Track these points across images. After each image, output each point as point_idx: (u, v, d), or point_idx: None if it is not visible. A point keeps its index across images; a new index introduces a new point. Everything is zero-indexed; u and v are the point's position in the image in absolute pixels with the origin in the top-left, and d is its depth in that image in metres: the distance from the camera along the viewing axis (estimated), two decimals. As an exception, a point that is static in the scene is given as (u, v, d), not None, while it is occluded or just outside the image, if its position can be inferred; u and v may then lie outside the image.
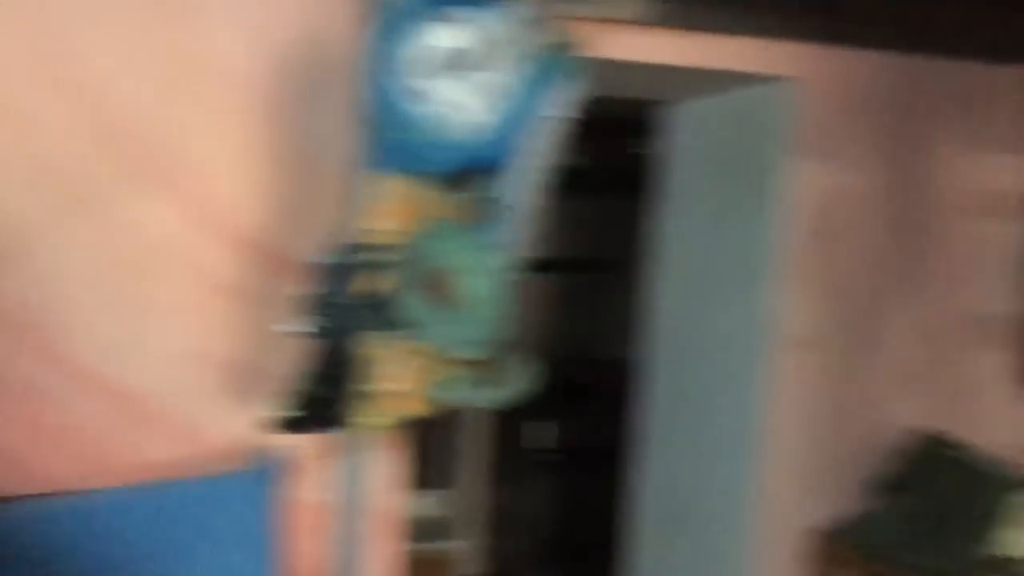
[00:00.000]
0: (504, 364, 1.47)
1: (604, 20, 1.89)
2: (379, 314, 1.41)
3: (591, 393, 3.45)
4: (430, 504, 3.55)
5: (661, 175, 2.50)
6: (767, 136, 2.16)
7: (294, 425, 1.48)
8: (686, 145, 2.40)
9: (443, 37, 1.39)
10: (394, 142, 1.44)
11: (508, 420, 3.47)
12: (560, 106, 1.47)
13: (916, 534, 2.11)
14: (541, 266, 3.75)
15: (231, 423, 1.64)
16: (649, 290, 2.55)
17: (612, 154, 3.21)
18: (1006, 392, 2.45)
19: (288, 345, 1.44)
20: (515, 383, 1.49)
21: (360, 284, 1.42)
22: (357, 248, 1.43)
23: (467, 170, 1.48)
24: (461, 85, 1.41)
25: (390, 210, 1.44)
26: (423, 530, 3.43)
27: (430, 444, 3.59)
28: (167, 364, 1.63)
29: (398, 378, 1.40)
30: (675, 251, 2.46)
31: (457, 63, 1.40)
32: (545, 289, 3.82)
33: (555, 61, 1.45)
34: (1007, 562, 2.11)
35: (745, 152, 2.23)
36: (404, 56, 1.40)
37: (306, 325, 1.42)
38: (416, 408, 1.42)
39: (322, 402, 1.45)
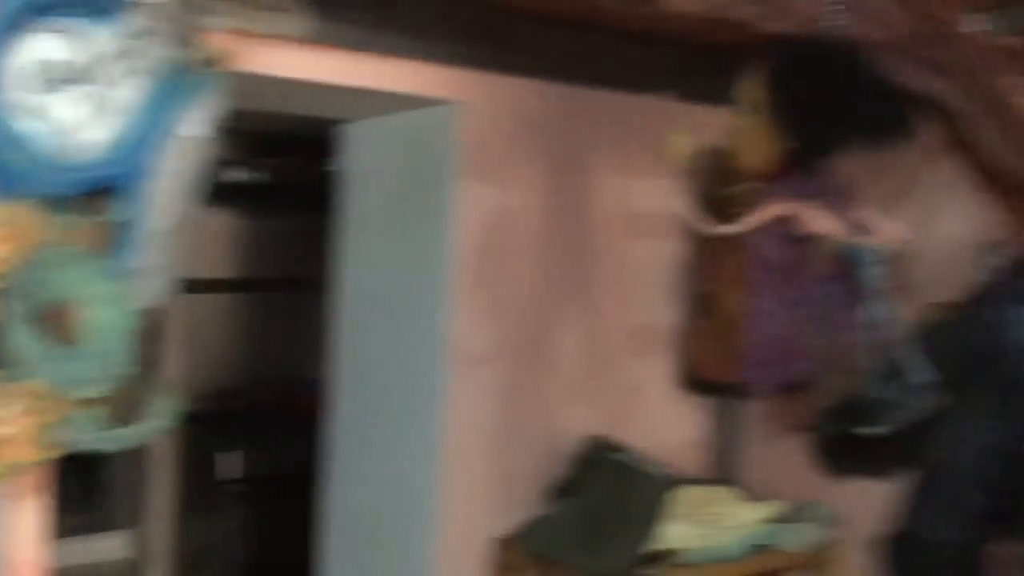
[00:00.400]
0: (137, 399, 1.37)
1: (265, 36, 1.84)
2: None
3: (288, 416, 3.36)
4: (115, 546, 3.29)
5: (342, 194, 2.48)
6: (435, 158, 2.20)
7: None
8: (363, 164, 2.41)
9: (52, 49, 1.28)
10: (2, 163, 1.31)
11: (200, 450, 3.29)
12: (198, 123, 1.40)
13: (582, 535, 2.23)
14: (234, 286, 3.66)
15: None
16: (333, 309, 2.53)
17: (307, 171, 3.17)
18: (665, 396, 2.67)
19: None
20: (151, 419, 1.39)
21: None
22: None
23: (91, 192, 1.37)
24: (75, 101, 1.30)
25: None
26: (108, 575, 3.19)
27: (114, 481, 3.34)
28: None
29: (5, 422, 1.26)
30: (356, 270, 2.45)
31: (70, 77, 1.30)
32: (239, 310, 3.68)
33: (189, 76, 1.38)
34: (668, 554, 2.29)
35: (417, 173, 2.27)
36: (9, 69, 1.28)
37: None
38: (28, 455, 1.28)
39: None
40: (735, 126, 1.65)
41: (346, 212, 2.46)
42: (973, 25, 1.52)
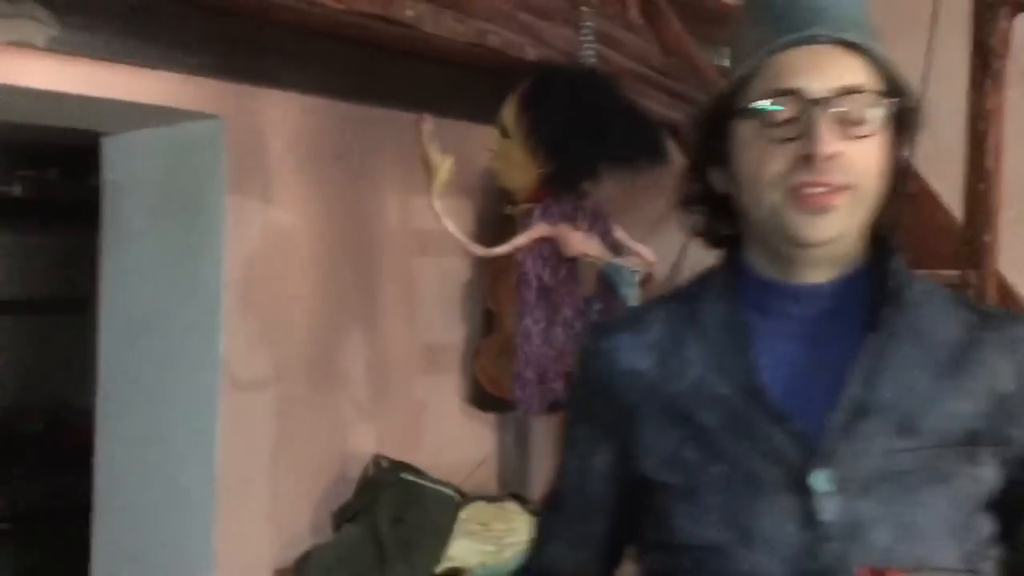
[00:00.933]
0: None
1: (7, 44, 1.69)
2: None
3: (58, 447, 3.12)
4: None
5: (106, 209, 2.33)
6: (201, 173, 2.10)
7: None
8: (124, 179, 2.26)
9: None
10: None
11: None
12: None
13: (368, 560, 2.17)
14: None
15: None
16: (100, 332, 2.37)
17: (75, 185, 2.96)
18: (454, 413, 2.66)
19: None
20: None
21: None
22: None
23: None
24: None
25: None
26: None
27: None
28: None
29: None
30: (121, 290, 2.30)
31: None
32: (2, 333, 3.39)
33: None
34: (457, 573, 2.27)
35: (182, 188, 2.15)
36: None
37: None
38: None
39: None
40: (495, 148, 1.66)
41: (108, 229, 2.31)
42: (710, 59, 1.61)
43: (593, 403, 1.06)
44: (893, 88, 0.96)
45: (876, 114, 0.94)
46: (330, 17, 1.61)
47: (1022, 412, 0.96)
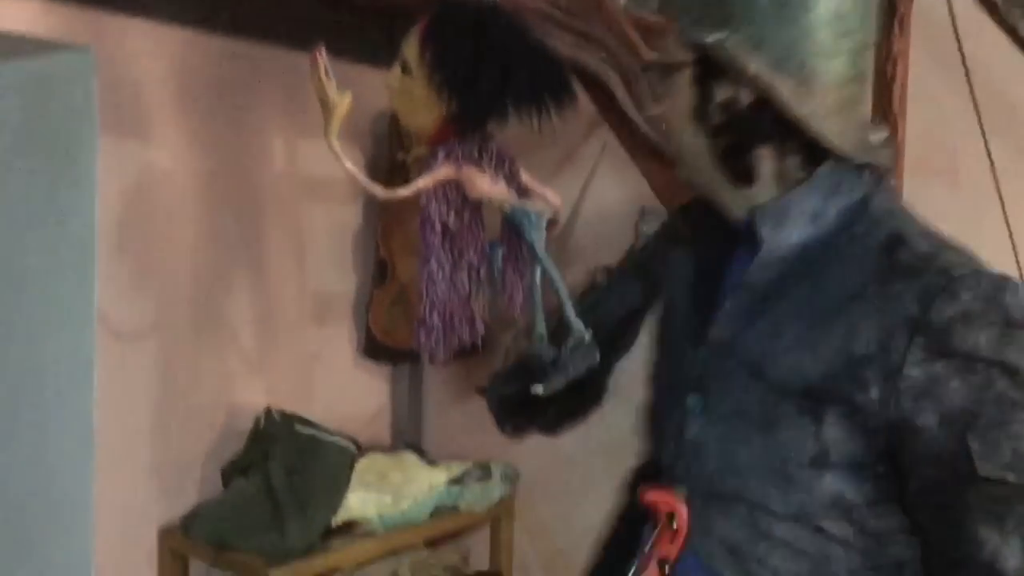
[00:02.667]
0: None
1: None
2: None
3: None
4: None
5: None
6: (71, 109, 1.94)
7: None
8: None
9: None
10: None
11: None
12: None
13: (260, 515, 2.10)
14: None
15: None
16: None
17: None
18: (346, 364, 2.59)
19: None
20: None
21: None
22: None
23: None
24: None
25: None
26: None
27: None
28: None
29: None
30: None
31: None
32: None
33: None
34: (351, 525, 2.23)
35: (50, 126, 1.99)
36: None
37: None
38: None
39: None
40: (395, 88, 1.58)
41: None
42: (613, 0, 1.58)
43: None
44: None
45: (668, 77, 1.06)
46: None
47: (871, 377, 0.91)
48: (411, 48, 1.50)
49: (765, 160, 1.01)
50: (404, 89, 1.61)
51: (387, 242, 2.47)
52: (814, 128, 0.97)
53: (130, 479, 2.10)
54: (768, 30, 0.97)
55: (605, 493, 2.50)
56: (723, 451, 1.01)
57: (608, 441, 2.45)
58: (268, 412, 2.25)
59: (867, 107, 1.06)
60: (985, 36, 1.84)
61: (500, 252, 1.72)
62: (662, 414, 1.14)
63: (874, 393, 0.91)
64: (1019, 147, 1.98)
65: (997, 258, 1.07)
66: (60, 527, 2.09)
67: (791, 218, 1.00)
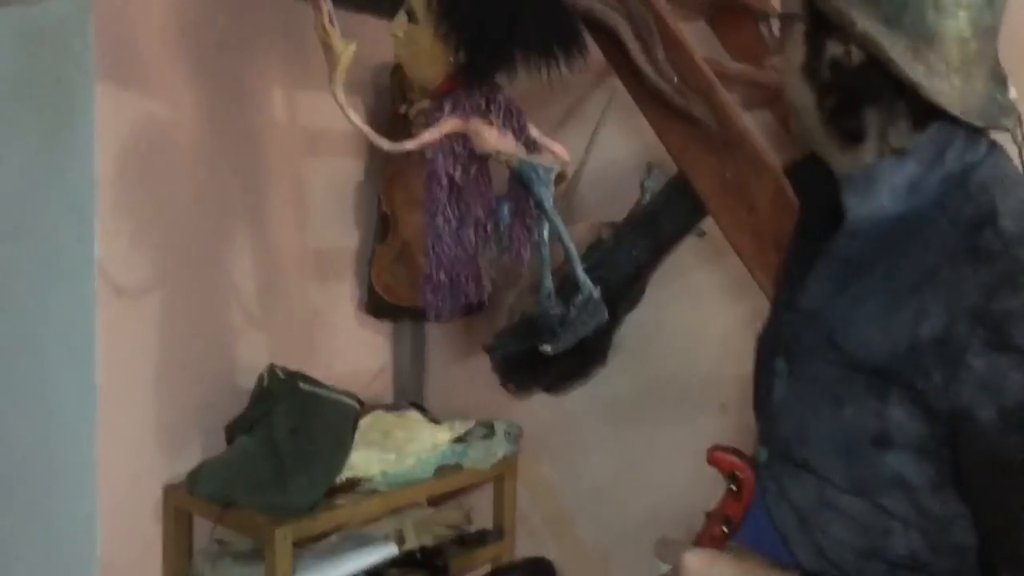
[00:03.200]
0: None
1: None
2: None
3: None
4: None
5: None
6: (68, 59, 1.89)
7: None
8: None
9: None
10: None
11: None
12: None
13: (263, 472, 2.08)
14: None
15: None
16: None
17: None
18: (348, 321, 2.57)
19: None
20: None
21: None
22: None
23: None
24: None
25: None
26: None
27: None
28: None
29: None
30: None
31: None
32: None
33: None
34: (355, 483, 2.22)
35: (47, 75, 1.94)
36: None
37: None
38: None
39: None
40: (401, 37, 1.54)
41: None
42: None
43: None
44: None
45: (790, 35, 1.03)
46: None
47: (932, 363, 0.89)
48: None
49: (873, 121, 0.98)
50: (410, 38, 1.56)
51: (390, 197, 2.43)
52: (926, 88, 0.93)
53: (134, 437, 2.09)
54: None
55: (609, 451, 2.50)
56: (798, 419, 1.01)
57: (612, 399, 2.45)
58: (272, 369, 2.23)
59: (995, 63, 0.99)
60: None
61: (507, 207, 1.69)
62: (758, 375, 1.13)
63: (937, 379, 0.89)
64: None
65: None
66: (64, 485, 2.08)
67: (881, 187, 0.97)
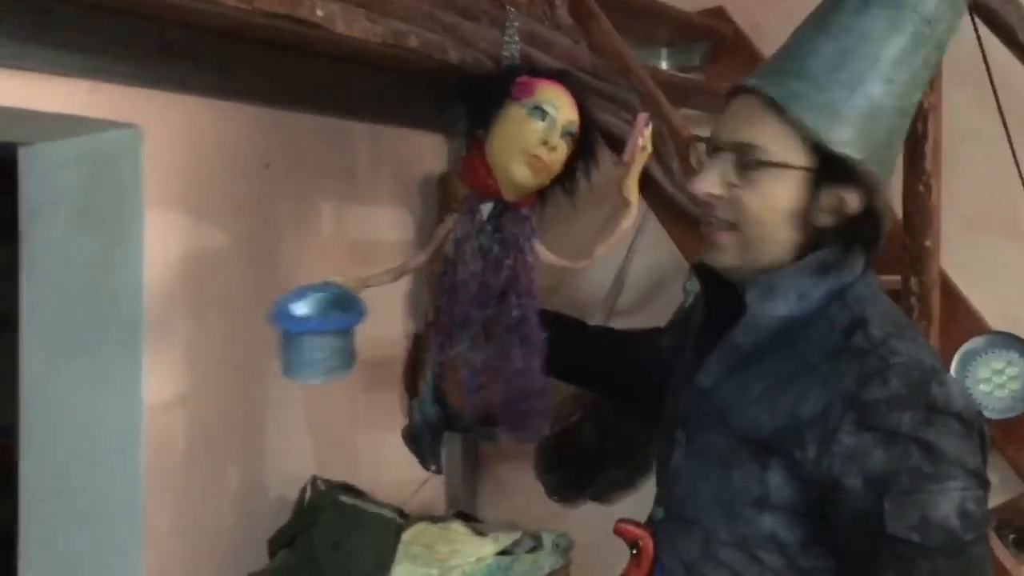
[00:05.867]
0: None
1: None
2: None
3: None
4: None
5: (24, 224, 2.21)
6: (121, 186, 1.99)
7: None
8: (42, 192, 2.15)
9: None
10: None
11: None
12: None
13: (302, 588, 2.08)
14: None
15: None
16: (21, 351, 2.25)
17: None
18: (396, 429, 2.56)
19: None
20: None
21: None
22: None
23: None
24: None
25: None
26: None
27: None
28: None
29: None
30: (43, 308, 2.18)
31: None
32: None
33: None
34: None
35: (101, 202, 2.04)
36: None
37: None
38: None
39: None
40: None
41: (27, 244, 2.20)
42: (643, 60, 1.54)
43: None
44: (815, 145, 1.09)
45: (765, 170, 1.10)
46: (241, 19, 1.52)
47: (809, 438, 1.04)
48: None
49: (826, 254, 1.13)
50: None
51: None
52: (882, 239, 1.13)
53: (178, 551, 2.10)
54: (882, 153, 1.10)
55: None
56: (691, 481, 1.17)
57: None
58: (314, 481, 2.24)
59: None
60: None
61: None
62: (661, 445, 1.27)
63: (811, 452, 1.04)
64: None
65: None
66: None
67: (779, 294, 1.12)
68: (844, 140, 1.07)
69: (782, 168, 1.09)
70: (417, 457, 1.80)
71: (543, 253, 1.51)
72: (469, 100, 1.48)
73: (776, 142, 1.09)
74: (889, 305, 1.16)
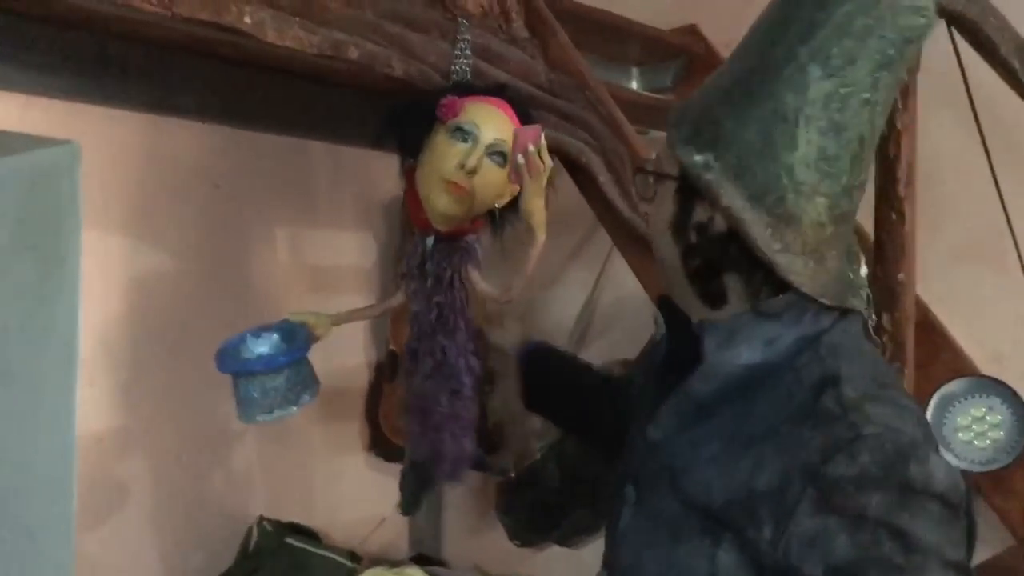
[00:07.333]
0: None
1: None
2: None
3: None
4: None
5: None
6: (57, 206, 1.87)
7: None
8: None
9: None
10: None
11: None
12: None
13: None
14: None
15: None
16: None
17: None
18: (354, 465, 2.44)
19: None
20: None
21: None
22: None
23: None
24: None
25: None
26: None
27: None
28: None
29: None
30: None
31: None
32: None
33: None
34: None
35: (36, 224, 1.93)
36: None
37: None
38: None
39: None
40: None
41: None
42: (613, 80, 1.44)
43: None
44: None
45: (660, 182, 1.03)
46: (167, 27, 1.41)
47: (765, 516, 0.90)
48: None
49: (735, 287, 1.00)
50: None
51: (397, 335, 2.33)
52: (782, 266, 0.95)
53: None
54: (751, 161, 0.95)
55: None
56: (636, 550, 1.03)
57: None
58: (260, 522, 2.11)
59: (851, 243, 1.03)
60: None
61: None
62: (614, 499, 1.14)
63: (767, 532, 0.90)
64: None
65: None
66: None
67: (740, 340, 0.98)
68: (703, 159, 0.96)
69: (665, 179, 1.02)
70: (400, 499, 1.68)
71: (477, 283, 1.39)
72: (398, 126, 1.37)
73: (665, 154, 1.04)
74: (872, 357, 1.01)
